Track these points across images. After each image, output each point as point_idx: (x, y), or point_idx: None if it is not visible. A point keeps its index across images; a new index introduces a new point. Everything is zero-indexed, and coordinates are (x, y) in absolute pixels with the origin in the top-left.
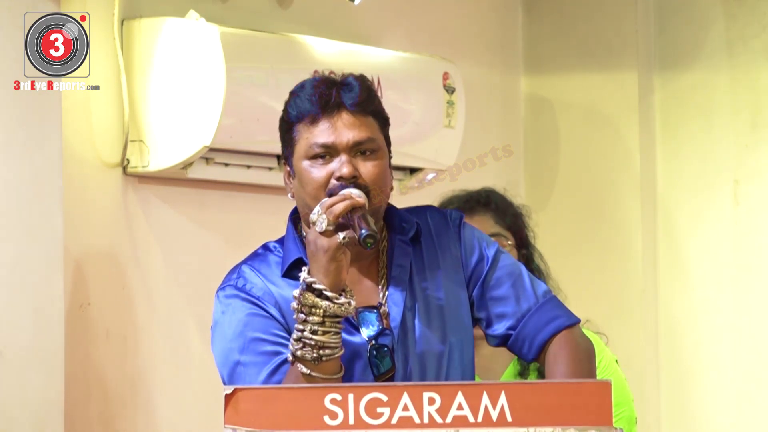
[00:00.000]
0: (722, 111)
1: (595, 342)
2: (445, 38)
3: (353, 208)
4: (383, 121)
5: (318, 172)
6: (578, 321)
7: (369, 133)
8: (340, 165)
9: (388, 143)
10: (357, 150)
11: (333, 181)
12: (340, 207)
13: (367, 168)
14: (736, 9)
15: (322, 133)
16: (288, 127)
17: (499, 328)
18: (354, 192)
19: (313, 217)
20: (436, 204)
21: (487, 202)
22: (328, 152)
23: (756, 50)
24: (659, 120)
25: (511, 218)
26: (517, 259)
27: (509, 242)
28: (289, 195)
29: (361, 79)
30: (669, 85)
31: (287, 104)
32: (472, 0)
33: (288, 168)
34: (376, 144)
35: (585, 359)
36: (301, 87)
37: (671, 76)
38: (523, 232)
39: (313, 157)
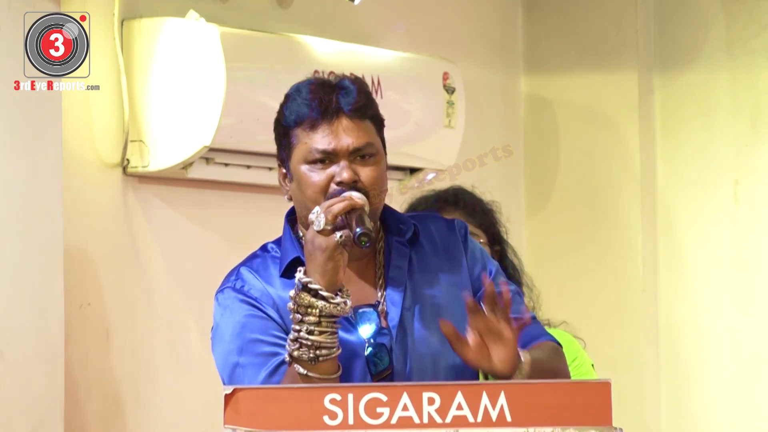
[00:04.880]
0: (722, 111)
1: (573, 344)
2: (445, 38)
3: (352, 209)
4: (380, 124)
5: (318, 176)
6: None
7: (368, 138)
8: (341, 170)
9: (384, 145)
10: (357, 155)
11: (333, 186)
12: (338, 206)
13: (366, 172)
14: (736, 9)
15: (322, 139)
16: (285, 130)
17: None
18: (354, 194)
19: (311, 216)
20: (405, 205)
21: (456, 200)
22: (328, 157)
23: (756, 50)
24: (659, 120)
25: (481, 215)
26: (490, 255)
27: (481, 240)
28: (286, 197)
29: (358, 82)
30: (669, 85)
31: (283, 107)
32: (472, 0)
33: (284, 170)
34: (374, 148)
35: (561, 359)
36: (296, 90)
37: (671, 76)
38: (495, 229)
39: (312, 162)
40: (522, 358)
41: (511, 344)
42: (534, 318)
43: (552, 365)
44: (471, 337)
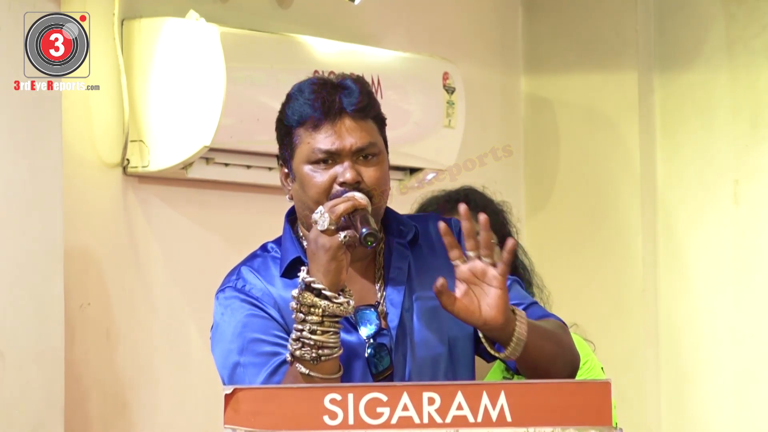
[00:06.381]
0: (722, 111)
1: (583, 347)
2: (445, 38)
3: (355, 209)
4: (382, 124)
5: (320, 176)
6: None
7: (371, 138)
8: (343, 170)
9: (386, 144)
10: (359, 155)
11: (336, 187)
12: (342, 206)
13: (369, 173)
14: (736, 9)
15: (325, 139)
16: (287, 130)
17: None
18: (357, 195)
19: (315, 216)
20: (415, 206)
21: (466, 201)
22: (331, 158)
23: (756, 50)
24: (659, 120)
25: (491, 216)
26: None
27: (492, 240)
28: (288, 197)
29: (360, 82)
30: (669, 85)
31: (285, 107)
32: (472, 0)
33: (286, 170)
34: (377, 148)
35: (566, 333)
36: (299, 90)
37: (671, 76)
38: (505, 229)
39: (315, 162)
40: (517, 312)
41: (499, 284)
42: (536, 303)
43: (557, 336)
44: (458, 289)
